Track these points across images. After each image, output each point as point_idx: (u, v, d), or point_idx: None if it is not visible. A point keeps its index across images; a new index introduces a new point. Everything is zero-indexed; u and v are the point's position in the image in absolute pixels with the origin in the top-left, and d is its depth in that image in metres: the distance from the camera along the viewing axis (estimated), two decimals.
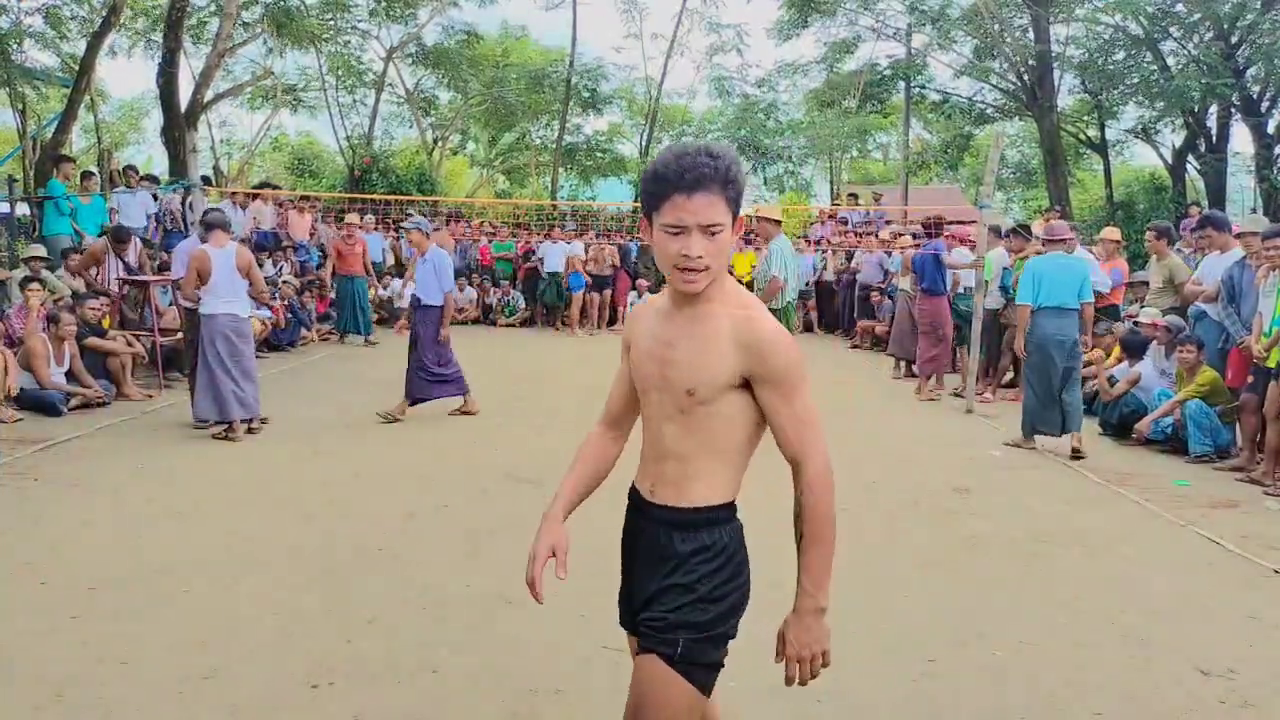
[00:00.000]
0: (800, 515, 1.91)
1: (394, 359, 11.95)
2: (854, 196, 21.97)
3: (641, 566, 2.03)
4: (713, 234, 1.82)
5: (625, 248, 17.34)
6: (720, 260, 1.86)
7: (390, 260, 16.93)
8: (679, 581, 1.94)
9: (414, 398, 7.92)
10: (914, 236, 11.95)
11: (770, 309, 8.15)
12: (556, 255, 15.91)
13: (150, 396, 8.57)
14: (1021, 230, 10.04)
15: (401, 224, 18.01)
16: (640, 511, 2.06)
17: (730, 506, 2.00)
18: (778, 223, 7.97)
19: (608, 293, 16.25)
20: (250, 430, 7.13)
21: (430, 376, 7.92)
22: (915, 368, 10.18)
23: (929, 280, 9.76)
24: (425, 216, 18.71)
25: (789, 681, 1.95)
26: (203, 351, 7.01)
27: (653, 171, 1.86)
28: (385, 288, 15.86)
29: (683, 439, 1.93)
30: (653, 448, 2.00)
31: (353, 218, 14.05)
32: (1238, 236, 7.58)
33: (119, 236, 10.14)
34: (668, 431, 1.94)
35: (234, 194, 15.60)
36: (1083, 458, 6.95)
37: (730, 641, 2.01)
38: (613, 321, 16.27)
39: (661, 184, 1.83)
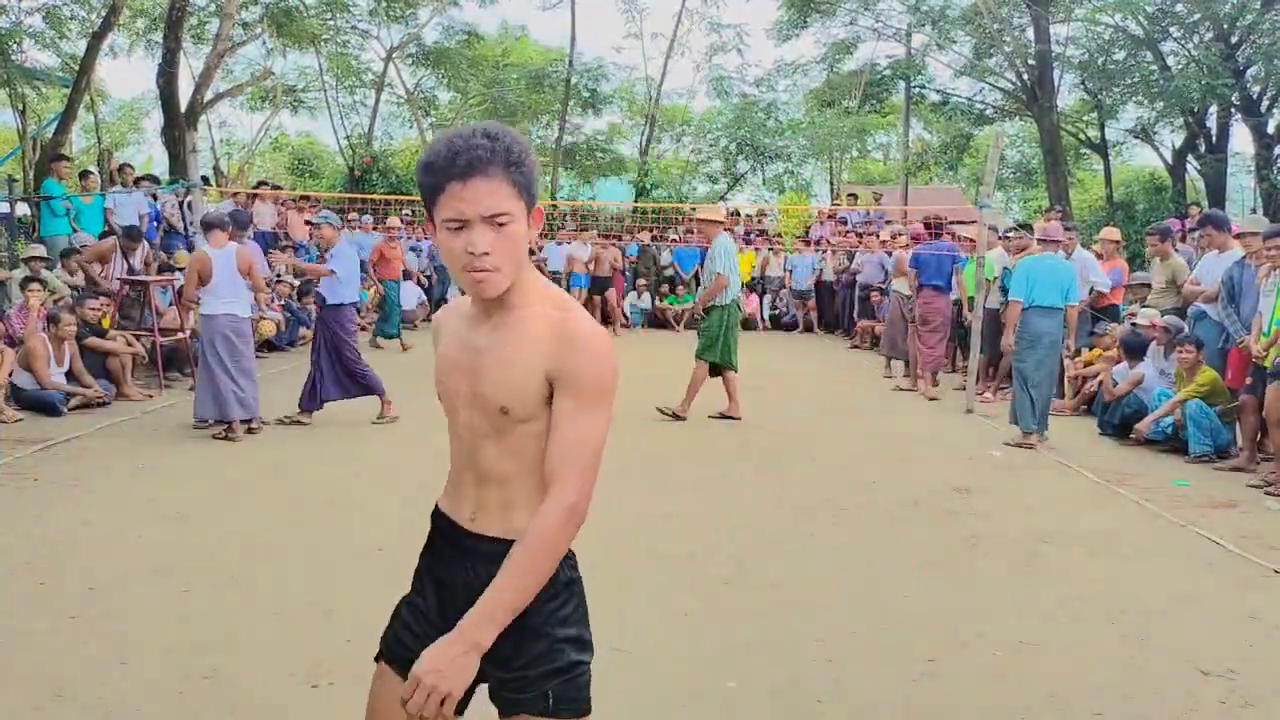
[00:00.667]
0: (525, 533, 1.62)
1: (395, 359, 11.96)
2: (854, 197, 21.99)
3: (460, 611, 1.62)
4: (500, 225, 1.56)
5: (623, 248, 17.35)
6: (514, 256, 1.60)
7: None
8: (527, 625, 1.65)
9: (323, 400, 7.62)
10: (909, 238, 11.94)
11: (715, 305, 8.29)
12: (557, 256, 15.93)
13: (150, 396, 8.57)
14: (1024, 229, 10.07)
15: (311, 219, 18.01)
16: (456, 543, 1.74)
17: None
18: (718, 223, 8.16)
19: (611, 294, 16.24)
20: (250, 430, 7.13)
21: (346, 376, 7.66)
22: (918, 367, 10.16)
23: (941, 278, 9.79)
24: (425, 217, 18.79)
25: (402, 703, 1.60)
26: (203, 352, 7.03)
27: (424, 161, 1.61)
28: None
29: (503, 461, 1.67)
30: (470, 470, 1.72)
31: (394, 220, 13.86)
32: (1237, 236, 7.59)
33: (131, 235, 10.15)
34: (487, 452, 1.68)
35: (235, 194, 15.60)
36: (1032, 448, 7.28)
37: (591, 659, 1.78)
38: (605, 323, 16.26)
39: (434, 174, 1.58)
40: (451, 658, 1.58)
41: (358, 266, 7.90)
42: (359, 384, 7.68)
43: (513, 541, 1.62)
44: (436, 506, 1.82)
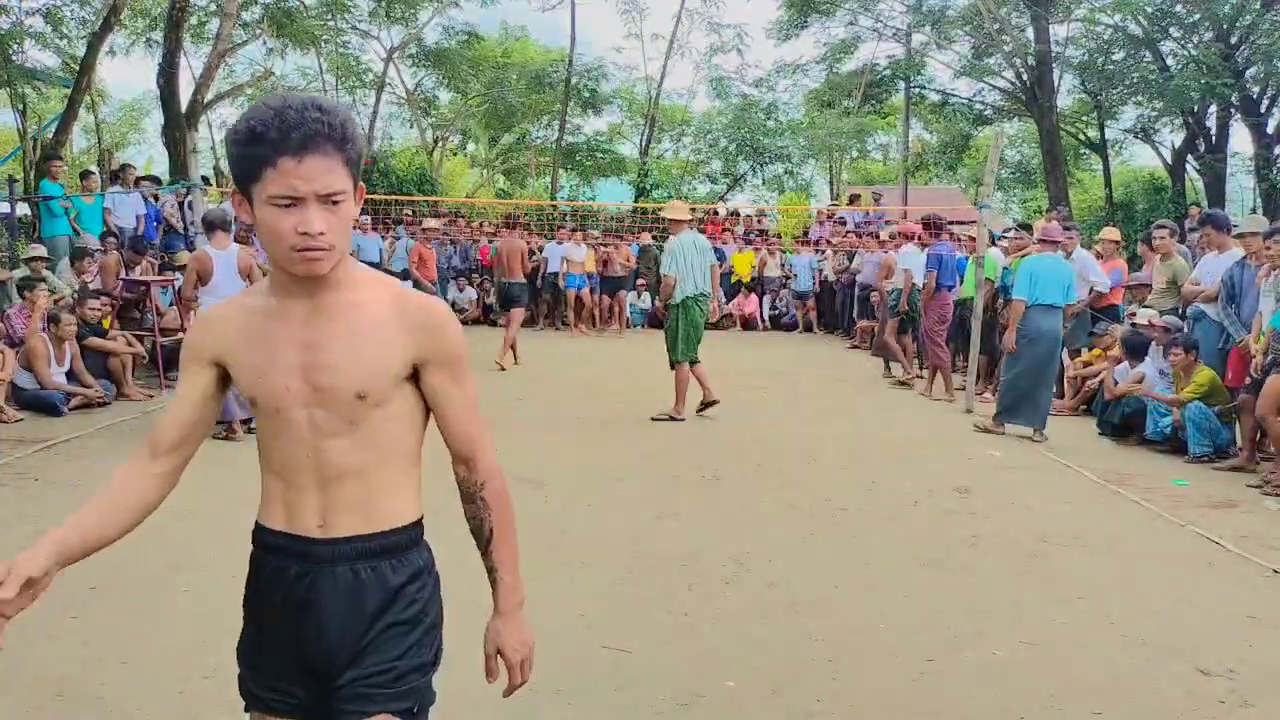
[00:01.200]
0: (484, 508, 1.75)
1: None
2: (856, 198, 22.00)
3: (327, 627, 1.59)
4: (334, 204, 1.49)
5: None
6: (346, 236, 1.53)
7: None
8: (400, 619, 1.63)
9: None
10: (903, 236, 11.97)
11: (668, 305, 8.33)
12: (557, 256, 15.92)
13: (151, 396, 8.58)
14: (1024, 229, 10.10)
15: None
16: (306, 558, 1.61)
17: (421, 521, 1.74)
18: (684, 221, 8.20)
19: (622, 294, 16.10)
20: (250, 430, 7.13)
21: None
22: (938, 370, 10.15)
23: (953, 279, 9.83)
24: (429, 217, 18.79)
25: (511, 691, 1.76)
26: None
27: (247, 130, 1.47)
28: None
29: (357, 453, 1.60)
30: (311, 474, 1.60)
31: (432, 222, 13.61)
32: (1238, 237, 7.59)
33: (136, 249, 10.16)
34: (335, 450, 1.59)
35: (234, 194, 15.58)
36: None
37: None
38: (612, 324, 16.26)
39: (261, 145, 1.45)
40: (519, 624, 1.76)
41: None
42: None
43: (384, 533, 1.62)
44: (260, 528, 1.66)
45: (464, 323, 16.51)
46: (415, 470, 1.71)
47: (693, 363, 8.15)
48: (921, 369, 11.34)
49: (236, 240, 7.38)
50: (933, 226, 10.60)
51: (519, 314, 11.86)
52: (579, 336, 15.35)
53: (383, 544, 1.64)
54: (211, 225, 7.12)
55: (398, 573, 1.66)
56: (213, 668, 3.29)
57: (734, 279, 17.35)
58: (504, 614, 1.78)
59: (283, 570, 1.62)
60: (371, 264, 11.48)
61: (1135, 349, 7.94)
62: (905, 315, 10.62)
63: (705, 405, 8.22)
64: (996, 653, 3.59)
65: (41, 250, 9.49)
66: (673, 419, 8.09)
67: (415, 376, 1.63)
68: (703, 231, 18.63)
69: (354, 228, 10.22)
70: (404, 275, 16.22)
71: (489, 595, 1.82)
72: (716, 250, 17.57)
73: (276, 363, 1.57)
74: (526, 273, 12.41)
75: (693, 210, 8.99)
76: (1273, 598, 4.27)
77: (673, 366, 8.12)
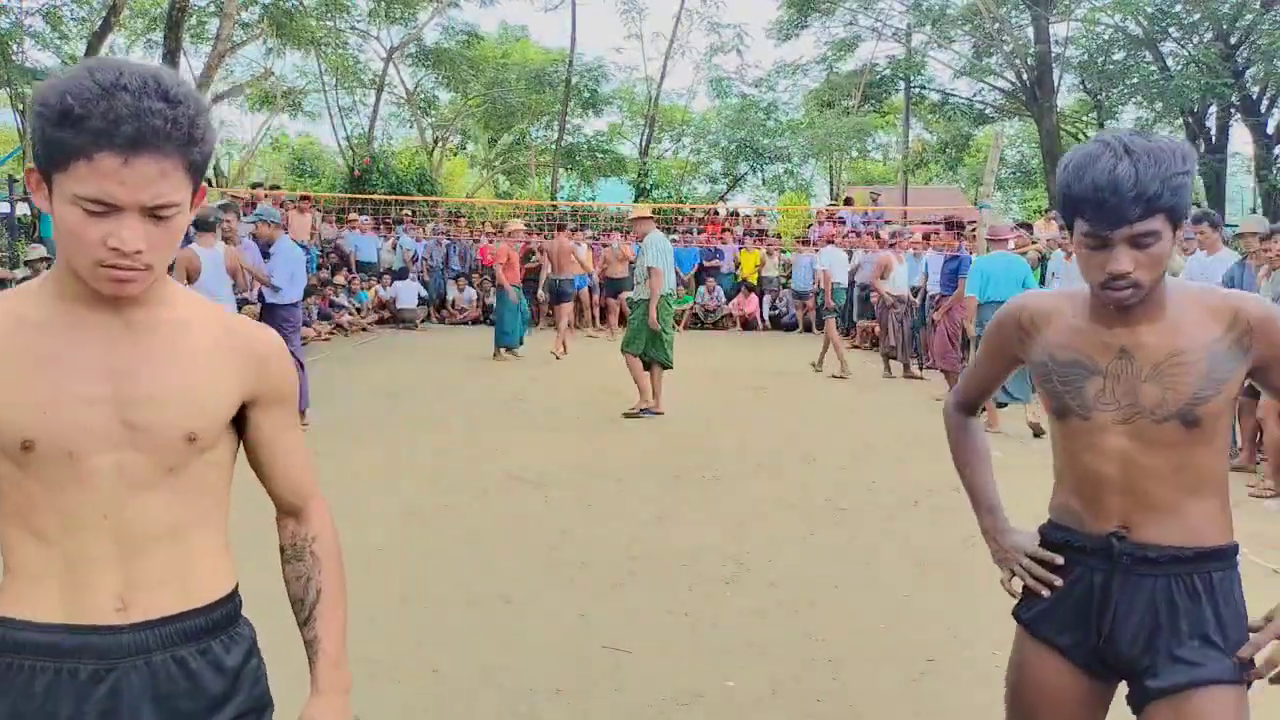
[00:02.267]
0: (313, 566, 1.48)
1: (397, 359, 11.98)
2: (850, 201, 22.00)
3: None
4: (162, 218, 1.19)
5: None
6: (170, 253, 1.22)
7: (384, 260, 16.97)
8: (249, 708, 1.39)
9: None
10: (920, 238, 12.13)
11: (638, 300, 8.41)
12: None
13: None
14: (1024, 228, 10.16)
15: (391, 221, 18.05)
16: (103, 655, 1.23)
17: (238, 587, 1.46)
18: (649, 218, 8.43)
19: (624, 295, 16.00)
20: None
21: None
22: (921, 368, 10.18)
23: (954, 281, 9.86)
24: (427, 217, 18.81)
25: None
26: None
27: (61, 107, 1.14)
28: (386, 288, 15.88)
29: (174, 510, 1.28)
30: (106, 541, 1.23)
31: (515, 223, 13.33)
32: (1237, 237, 7.59)
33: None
34: (145, 506, 1.25)
35: (235, 196, 15.60)
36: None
37: None
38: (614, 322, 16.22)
39: (77, 131, 1.13)
40: (340, 710, 1.45)
41: (302, 266, 7.71)
42: None
43: (199, 610, 1.30)
44: (9, 625, 1.23)
45: (463, 323, 16.59)
46: (225, 526, 1.42)
47: (661, 365, 8.19)
48: (921, 369, 11.36)
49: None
50: (955, 227, 10.66)
51: (567, 308, 13.19)
52: (577, 336, 15.35)
53: (208, 620, 1.32)
54: (199, 225, 7.21)
55: (232, 652, 1.36)
56: None
57: (738, 279, 17.35)
58: (325, 694, 1.45)
59: (67, 676, 1.21)
60: (367, 264, 11.47)
61: None
62: (833, 310, 11.56)
63: (644, 412, 8.22)
64: (996, 653, 3.58)
65: (42, 250, 9.50)
66: (644, 412, 8.12)
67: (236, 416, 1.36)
68: (702, 232, 18.73)
69: (353, 228, 10.29)
70: (402, 274, 16.28)
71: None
72: (716, 250, 17.64)
73: (69, 393, 1.21)
74: (580, 271, 13.33)
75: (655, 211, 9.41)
76: (1273, 598, 4.26)
77: (652, 365, 8.20)
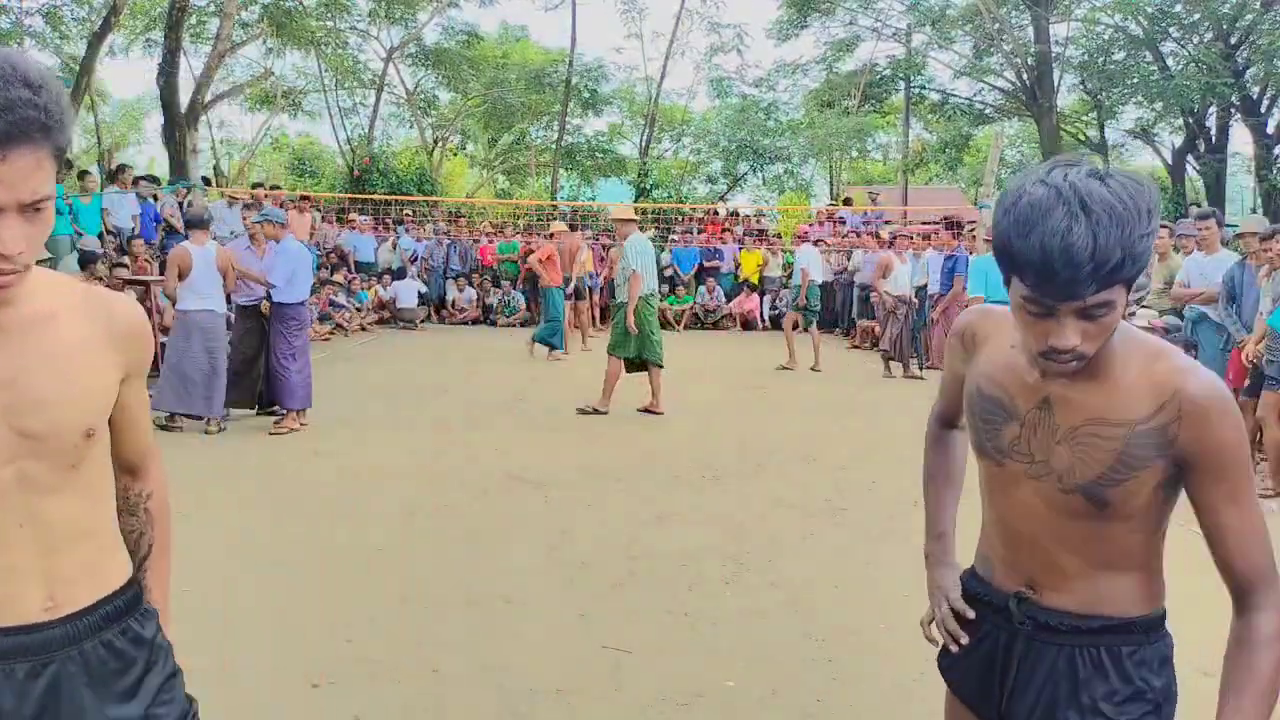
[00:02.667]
0: (146, 521, 1.49)
1: (397, 359, 11.97)
2: (849, 201, 22.00)
3: (87, 714, 1.29)
4: (37, 210, 1.14)
5: None
6: (40, 246, 1.18)
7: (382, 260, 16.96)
8: (166, 677, 1.39)
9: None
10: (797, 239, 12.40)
11: (619, 302, 8.49)
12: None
13: (152, 396, 8.57)
14: None
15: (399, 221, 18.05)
16: (37, 651, 1.25)
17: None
18: (632, 220, 8.48)
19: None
20: (208, 431, 7.19)
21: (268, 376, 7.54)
22: (922, 368, 10.21)
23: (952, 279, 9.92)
24: (427, 217, 18.80)
25: None
26: (175, 345, 7.19)
27: None
28: (386, 288, 15.88)
29: (84, 503, 1.29)
30: (25, 548, 1.23)
31: (559, 225, 13.32)
32: (1237, 236, 7.59)
33: (127, 249, 10.20)
34: (58, 507, 1.25)
35: (233, 196, 15.60)
36: None
37: None
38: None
39: None
40: None
41: (306, 265, 7.71)
42: (279, 388, 7.41)
43: (118, 592, 1.33)
44: None
45: (463, 323, 16.58)
46: (115, 529, 1.40)
47: (654, 364, 8.21)
48: (921, 369, 11.37)
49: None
50: (953, 227, 10.69)
51: (582, 305, 13.89)
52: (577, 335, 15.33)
53: (124, 600, 1.34)
54: (192, 223, 7.44)
55: (146, 625, 1.38)
56: (210, 667, 3.29)
57: (739, 279, 17.34)
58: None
59: (3, 677, 1.22)
60: (366, 264, 11.42)
61: None
62: (803, 309, 11.76)
63: (647, 411, 8.24)
64: None
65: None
66: (596, 411, 8.17)
67: None
68: (702, 232, 18.73)
69: (352, 228, 10.31)
70: (400, 274, 16.28)
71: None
72: (716, 250, 17.63)
73: None
74: (580, 270, 13.52)
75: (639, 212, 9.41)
76: None
77: (634, 365, 8.23)
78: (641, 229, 17.90)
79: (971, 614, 1.58)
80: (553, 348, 12.04)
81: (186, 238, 7.53)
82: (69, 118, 1.15)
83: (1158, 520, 1.48)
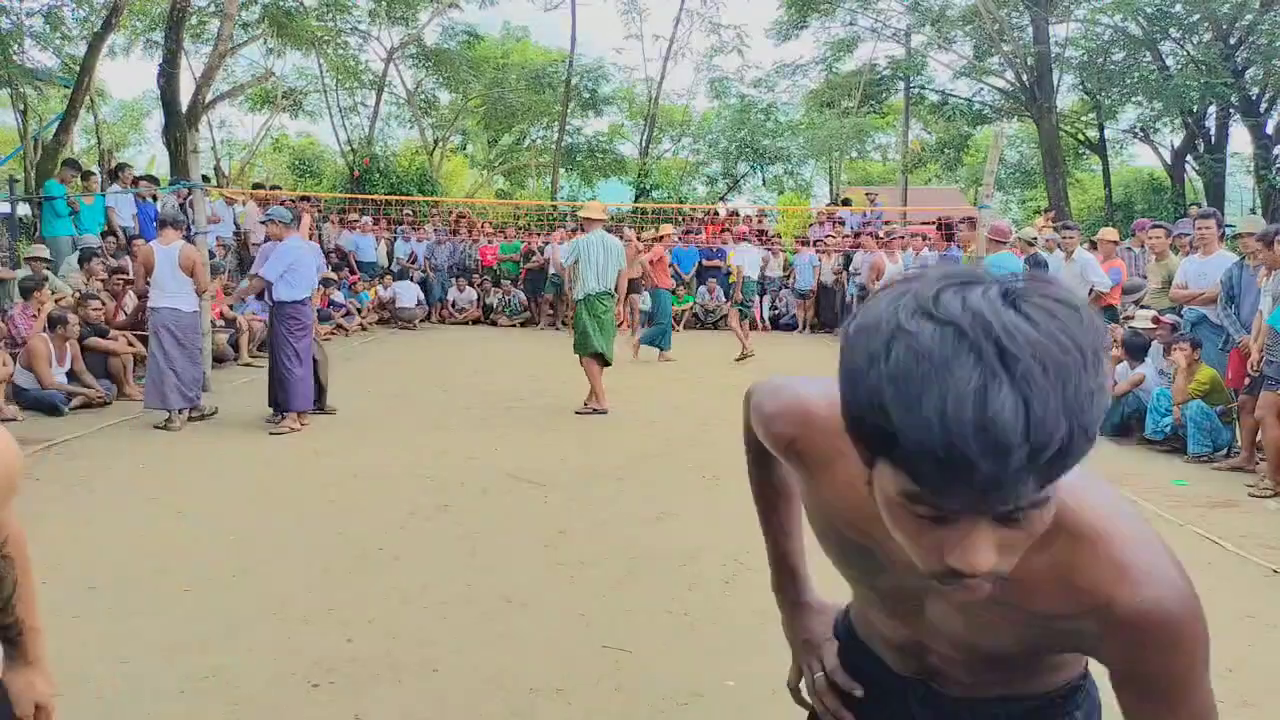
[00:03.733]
0: (8, 565, 1.48)
1: (397, 360, 11.98)
2: (848, 202, 21.98)
3: None
4: None
5: None
6: None
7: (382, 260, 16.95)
8: None
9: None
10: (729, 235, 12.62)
11: (575, 299, 8.60)
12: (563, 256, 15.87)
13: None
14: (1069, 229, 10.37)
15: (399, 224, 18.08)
16: None
17: None
18: (597, 220, 8.56)
19: (634, 298, 15.32)
20: (193, 419, 7.43)
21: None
22: None
23: None
24: (427, 218, 18.80)
25: None
26: (150, 343, 7.44)
27: None
28: (386, 288, 15.88)
29: None
30: None
31: (667, 227, 13.28)
32: (1235, 237, 7.59)
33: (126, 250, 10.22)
34: None
35: (230, 196, 15.60)
36: None
37: None
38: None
39: None
40: (51, 678, 1.49)
41: (307, 264, 7.67)
42: (281, 389, 7.41)
43: None
44: None
45: (463, 323, 16.57)
46: None
47: (600, 360, 8.26)
48: None
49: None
50: (944, 228, 10.74)
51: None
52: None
53: None
54: (161, 222, 7.75)
55: None
56: (213, 668, 3.30)
57: (731, 279, 17.33)
58: (36, 663, 1.52)
59: None
60: (367, 264, 11.41)
61: (1135, 350, 7.95)
62: (740, 304, 12.38)
63: (590, 411, 8.27)
64: None
65: (44, 250, 9.50)
66: (596, 411, 8.20)
67: None
68: (700, 233, 18.72)
69: (353, 228, 10.34)
70: (401, 275, 16.28)
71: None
72: (717, 251, 17.62)
73: None
74: None
75: (604, 210, 9.50)
76: (1272, 597, 4.27)
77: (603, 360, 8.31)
78: (641, 229, 17.97)
79: (859, 691, 1.29)
80: (662, 349, 12.21)
81: (189, 238, 7.66)
82: None
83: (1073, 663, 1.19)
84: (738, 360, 11.77)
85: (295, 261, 7.45)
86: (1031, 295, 0.82)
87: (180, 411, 7.31)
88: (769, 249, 17.79)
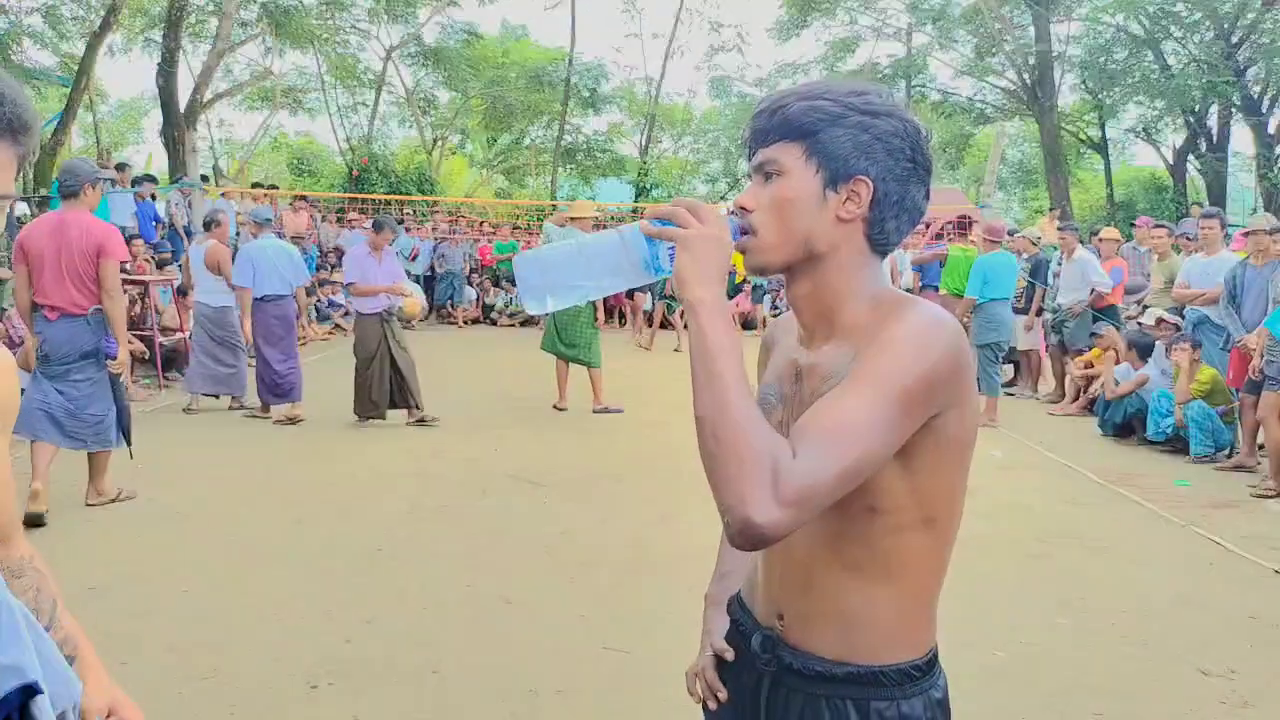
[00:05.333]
0: (41, 578, 1.45)
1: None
2: None
3: None
4: None
5: None
6: None
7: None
8: None
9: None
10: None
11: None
12: None
13: (150, 395, 8.56)
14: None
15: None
16: None
17: None
18: (583, 219, 8.53)
19: (639, 296, 15.02)
20: (231, 408, 7.98)
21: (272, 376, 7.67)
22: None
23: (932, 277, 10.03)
24: (426, 217, 18.78)
25: None
26: (193, 334, 8.18)
27: None
28: None
29: None
30: None
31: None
32: (1245, 234, 7.57)
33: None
34: None
35: (226, 195, 15.60)
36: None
37: None
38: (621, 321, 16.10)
39: None
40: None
41: (277, 262, 7.76)
42: (266, 388, 7.69)
43: None
44: None
45: (464, 322, 16.55)
46: None
47: (591, 366, 8.26)
48: None
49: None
50: (967, 226, 10.79)
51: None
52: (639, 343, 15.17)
53: None
54: (204, 224, 8.38)
55: None
56: (213, 668, 3.29)
57: (738, 279, 17.31)
58: (102, 671, 1.48)
59: None
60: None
61: (1141, 349, 7.93)
62: (668, 297, 12.79)
63: (603, 410, 8.28)
64: (997, 653, 3.58)
65: None
66: (608, 410, 8.24)
67: None
68: None
69: (353, 228, 10.39)
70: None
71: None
72: None
73: None
74: None
75: (594, 209, 9.46)
76: (1274, 598, 4.26)
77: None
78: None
79: (731, 654, 1.39)
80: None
81: (188, 236, 7.90)
82: (35, 124, 1.15)
83: (908, 518, 1.20)
84: (643, 348, 12.32)
85: (259, 258, 7.67)
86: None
87: (225, 398, 7.99)
88: None
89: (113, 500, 5.18)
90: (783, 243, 1.20)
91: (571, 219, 8.52)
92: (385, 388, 7.41)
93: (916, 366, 1.09)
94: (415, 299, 8.01)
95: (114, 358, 5.09)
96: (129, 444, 5.24)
